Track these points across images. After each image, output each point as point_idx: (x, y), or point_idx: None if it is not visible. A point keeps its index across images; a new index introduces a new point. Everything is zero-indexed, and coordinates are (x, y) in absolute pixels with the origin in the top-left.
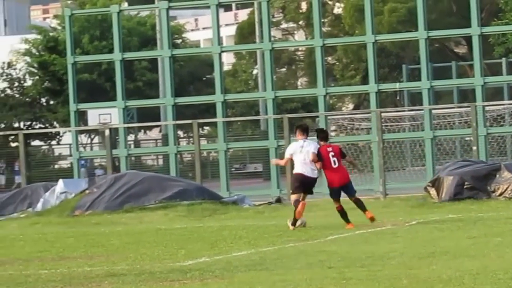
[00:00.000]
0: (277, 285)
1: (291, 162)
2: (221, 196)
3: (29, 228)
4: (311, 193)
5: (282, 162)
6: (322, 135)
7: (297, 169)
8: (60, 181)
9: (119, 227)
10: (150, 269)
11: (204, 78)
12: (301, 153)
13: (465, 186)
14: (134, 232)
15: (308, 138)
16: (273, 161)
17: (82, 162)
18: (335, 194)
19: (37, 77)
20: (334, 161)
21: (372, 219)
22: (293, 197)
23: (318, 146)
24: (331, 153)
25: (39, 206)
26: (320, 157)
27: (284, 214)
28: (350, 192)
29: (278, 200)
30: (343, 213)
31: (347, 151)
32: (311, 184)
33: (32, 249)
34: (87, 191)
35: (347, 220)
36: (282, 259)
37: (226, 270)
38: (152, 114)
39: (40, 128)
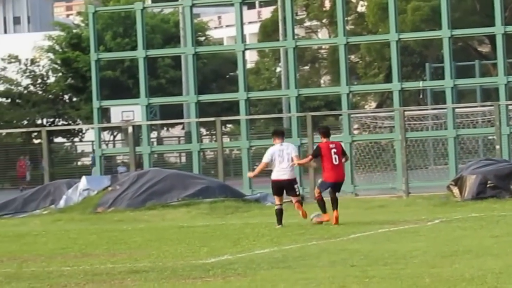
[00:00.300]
0: (299, 283)
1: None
2: (244, 194)
3: (52, 225)
4: (295, 193)
5: (259, 169)
6: (323, 131)
7: (274, 175)
8: (83, 178)
9: (142, 224)
10: (173, 266)
11: (227, 76)
12: (280, 156)
13: (488, 185)
14: (156, 229)
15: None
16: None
17: (92, 162)
18: (324, 187)
19: (60, 74)
20: (335, 158)
21: (336, 219)
22: (275, 200)
23: (295, 146)
24: (334, 150)
25: (61, 203)
26: (319, 153)
27: (307, 212)
28: (337, 190)
29: (301, 198)
30: (322, 203)
31: (369, 150)
32: (291, 185)
33: (55, 246)
34: (109, 188)
35: (324, 210)
36: (304, 257)
37: (249, 268)
38: (175, 112)
39: (63, 125)
